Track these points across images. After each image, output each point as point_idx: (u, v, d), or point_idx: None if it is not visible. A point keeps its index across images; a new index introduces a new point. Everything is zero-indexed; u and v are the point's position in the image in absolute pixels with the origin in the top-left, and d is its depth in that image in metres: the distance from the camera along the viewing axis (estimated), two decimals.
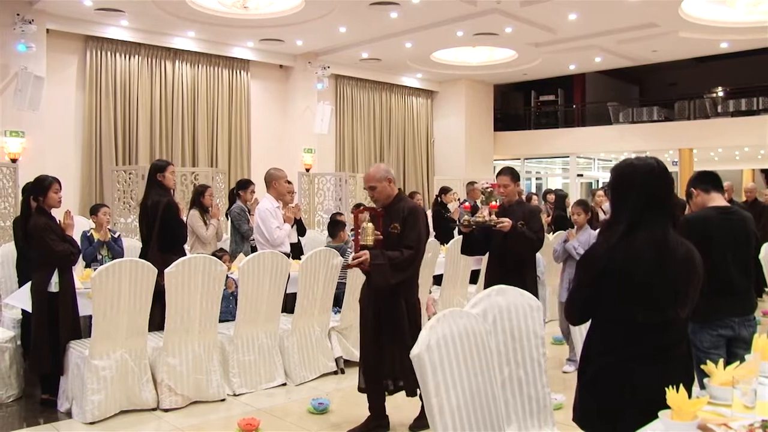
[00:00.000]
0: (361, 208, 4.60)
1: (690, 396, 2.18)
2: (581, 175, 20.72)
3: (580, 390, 2.61)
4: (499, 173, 5.43)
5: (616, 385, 2.46)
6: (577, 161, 19.79)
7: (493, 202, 5.07)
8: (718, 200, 3.88)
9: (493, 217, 4.99)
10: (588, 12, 11.92)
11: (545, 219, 9.67)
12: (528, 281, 4.99)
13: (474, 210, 6.57)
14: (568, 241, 5.99)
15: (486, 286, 5.03)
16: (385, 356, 4.43)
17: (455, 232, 9.25)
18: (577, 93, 21.43)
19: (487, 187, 5.14)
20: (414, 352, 2.34)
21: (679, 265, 2.43)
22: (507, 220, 4.96)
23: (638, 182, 2.50)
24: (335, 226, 7.21)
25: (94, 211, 6.61)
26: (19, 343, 5.50)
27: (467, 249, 5.44)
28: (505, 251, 5.10)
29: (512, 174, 5.35)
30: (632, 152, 17.03)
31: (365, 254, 4.22)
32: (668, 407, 2.15)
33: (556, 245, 6.19)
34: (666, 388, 2.15)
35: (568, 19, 12.39)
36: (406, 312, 4.40)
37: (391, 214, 4.42)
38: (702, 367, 2.62)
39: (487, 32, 13.21)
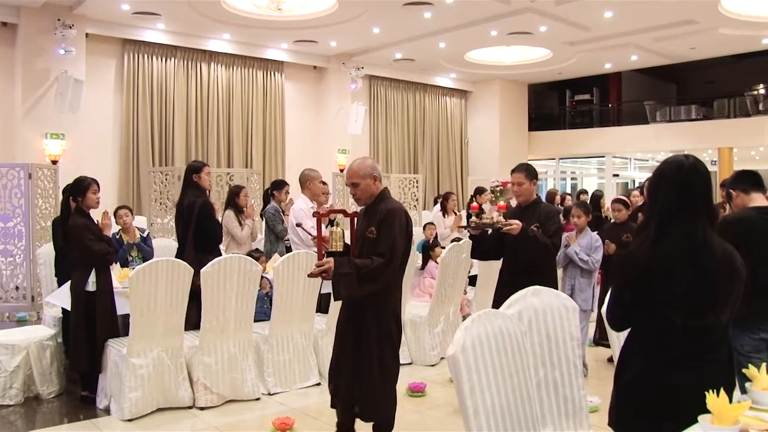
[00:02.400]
0: (327, 210, 4.24)
1: (730, 401, 2.13)
2: (617, 175, 20.45)
3: (617, 394, 2.56)
4: (514, 170, 4.83)
5: (653, 390, 2.40)
6: (612, 161, 19.55)
7: (501, 202, 4.62)
8: (758, 200, 3.77)
9: (501, 218, 4.48)
10: (624, 9, 11.75)
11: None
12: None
13: (482, 210, 5.83)
14: (569, 247, 5.77)
15: (496, 292, 4.81)
16: (347, 381, 3.96)
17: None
18: (612, 92, 21.16)
19: (497, 186, 4.76)
20: (449, 353, 2.33)
21: (717, 267, 2.36)
22: (516, 222, 4.45)
23: (668, 180, 2.45)
24: None
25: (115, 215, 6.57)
26: (60, 340, 5.61)
27: (478, 252, 4.93)
28: (516, 255, 4.65)
29: (528, 171, 4.78)
30: (669, 152, 16.75)
31: (329, 262, 3.72)
32: (706, 412, 2.10)
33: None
34: (705, 393, 2.10)
35: (604, 17, 12.24)
36: (376, 337, 3.87)
37: (370, 217, 3.95)
38: (743, 371, 2.56)
39: (521, 31, 13.12)
